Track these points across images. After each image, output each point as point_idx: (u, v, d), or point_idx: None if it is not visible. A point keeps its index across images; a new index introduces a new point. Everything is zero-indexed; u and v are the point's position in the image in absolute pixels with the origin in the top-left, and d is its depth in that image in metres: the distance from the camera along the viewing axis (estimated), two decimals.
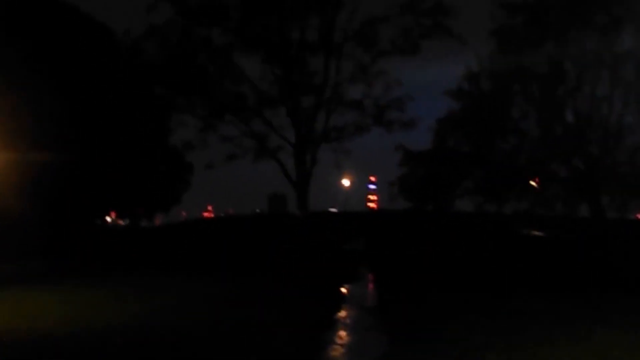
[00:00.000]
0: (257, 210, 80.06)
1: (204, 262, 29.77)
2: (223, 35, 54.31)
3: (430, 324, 14.64)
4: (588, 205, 56.20)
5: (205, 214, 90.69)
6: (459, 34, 52.60)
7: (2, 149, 34.35)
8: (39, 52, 38.05)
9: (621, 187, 55.78)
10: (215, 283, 22.58)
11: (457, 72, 61.02)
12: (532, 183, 60.20)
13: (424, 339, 13.00)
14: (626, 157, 55.94)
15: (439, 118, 64.57)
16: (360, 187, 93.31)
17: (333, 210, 68.34)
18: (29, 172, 35.68)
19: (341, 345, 13.30)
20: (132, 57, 51.40)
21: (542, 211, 60.10)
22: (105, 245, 39.54)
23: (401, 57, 54.82)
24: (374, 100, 55.33)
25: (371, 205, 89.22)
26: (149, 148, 50.38)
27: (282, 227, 43.51)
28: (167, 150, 55.57)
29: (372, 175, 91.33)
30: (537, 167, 58.35)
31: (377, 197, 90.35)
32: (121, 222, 67.61)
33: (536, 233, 38.90)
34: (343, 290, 21.56)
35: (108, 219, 63.34)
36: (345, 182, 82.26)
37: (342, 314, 17.05)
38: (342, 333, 14.49)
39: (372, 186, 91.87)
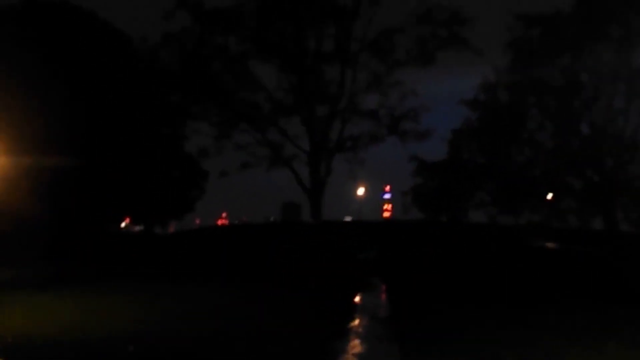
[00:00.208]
0: (271, 219, 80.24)
1: (216, 270, 29.78)
2: (239, 43, 54.58)
3: (442, 335, 14.62)
4: (602, 218, 55.86)
5: (220, 222, 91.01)
6: (475, 45, 52.61)
7: (17, 154, 34.60)
8: (56, 58, 38.39)
9: (636, 201, 55.44)
10: (228, 291, 22.59)
11: (472, 84, 61.14)
12: (548, 196, 60.02)
13: (436, 349, 12.99)
14: None
15: (454, 129, 64.62)
16: (374, 197, 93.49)
17: (347, 219, 68.33)
18: (43, 177, 35.95)
19: (353, 355, 13.31)
20: (148, 64, 51.72)
21: (556, 223, 59.86)
22: (117, 251, 39.61)
23: (416, 67, 54.89)
24: (389, 110, 55.34)
25: (386, 214, 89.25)
26: (163, 155, 50.63)
27: (295, 236, 43.47)
28: (181, 157, 55.80)
29: (387, 185, 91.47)
30: (551, 179, 58.12)
31: (391, 206, 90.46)
32: (135, 228, 67.94)
33: (550, 245, 38.72)
34: (356, 299, 21.54)
35: (122, 224, 63.64)
36: (360, 192, 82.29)
37: (355, 323, 17.04)
38: (355, 342, 14.49)
39: (386, 196, 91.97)
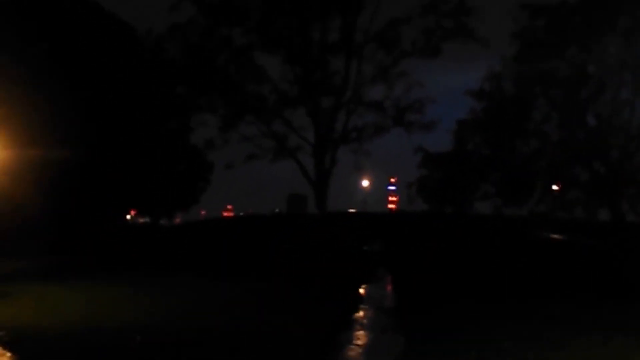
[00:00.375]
0: (277, 210, 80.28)
1: (221, 261, 29.77)
2: (244, 35, 54.44)
3: (446, 326, 14.67)
4: (608, 210, 55.74)
5: (225, 214, 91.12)
6: (482, 36, 52.39)
7: (21, 147, 34.61)
8: (60, 50, 38.37)
9: None
10: (234, 283, 22.64)
11: (478, 76, 60.93)
12: (555, 187, 59.94)
13: (441, 340, 13.05)
14: None
15: (459, 119, 64.54)
16: (379, 188, 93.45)
17: (352, 210, 68.36)
18: (47, 170, 35.95)
19: (358, 345, 13.37)
20: (154, 56, 51.69)
21: (563, 215, 59.80)
22: (124, 243, 39.74)
23: (422, 59, 54.72)
24: (394, 102, 55.22)
25: (391, 206, 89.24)
26: (169, 147, 50.68)
27: (301, 227, 43.51)
28: (187, 149, 55.87)
29: (392, 177, 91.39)
30: (557, 170, 58.02)
31: (397, 198, 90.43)
32: (142, 220, 68.12)
33: (555, 237, 38.70)
34: (361, 290, 21.60)
35: (128, 216, 63.81)
36: (365, 183, 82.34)
37: (360, 314, 17.11)
38: (360, 333, 14.55)
39: (391, 187, 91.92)
